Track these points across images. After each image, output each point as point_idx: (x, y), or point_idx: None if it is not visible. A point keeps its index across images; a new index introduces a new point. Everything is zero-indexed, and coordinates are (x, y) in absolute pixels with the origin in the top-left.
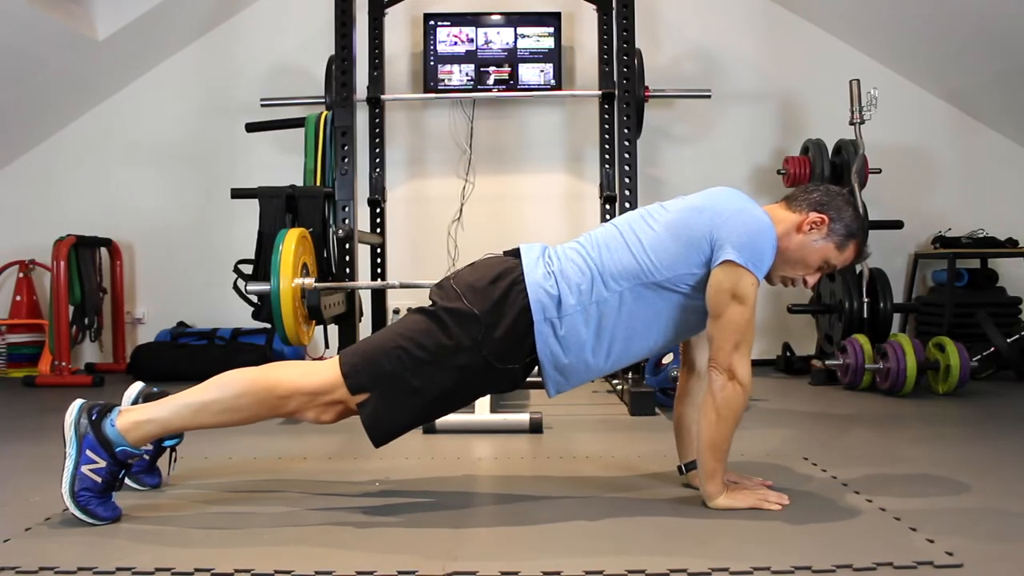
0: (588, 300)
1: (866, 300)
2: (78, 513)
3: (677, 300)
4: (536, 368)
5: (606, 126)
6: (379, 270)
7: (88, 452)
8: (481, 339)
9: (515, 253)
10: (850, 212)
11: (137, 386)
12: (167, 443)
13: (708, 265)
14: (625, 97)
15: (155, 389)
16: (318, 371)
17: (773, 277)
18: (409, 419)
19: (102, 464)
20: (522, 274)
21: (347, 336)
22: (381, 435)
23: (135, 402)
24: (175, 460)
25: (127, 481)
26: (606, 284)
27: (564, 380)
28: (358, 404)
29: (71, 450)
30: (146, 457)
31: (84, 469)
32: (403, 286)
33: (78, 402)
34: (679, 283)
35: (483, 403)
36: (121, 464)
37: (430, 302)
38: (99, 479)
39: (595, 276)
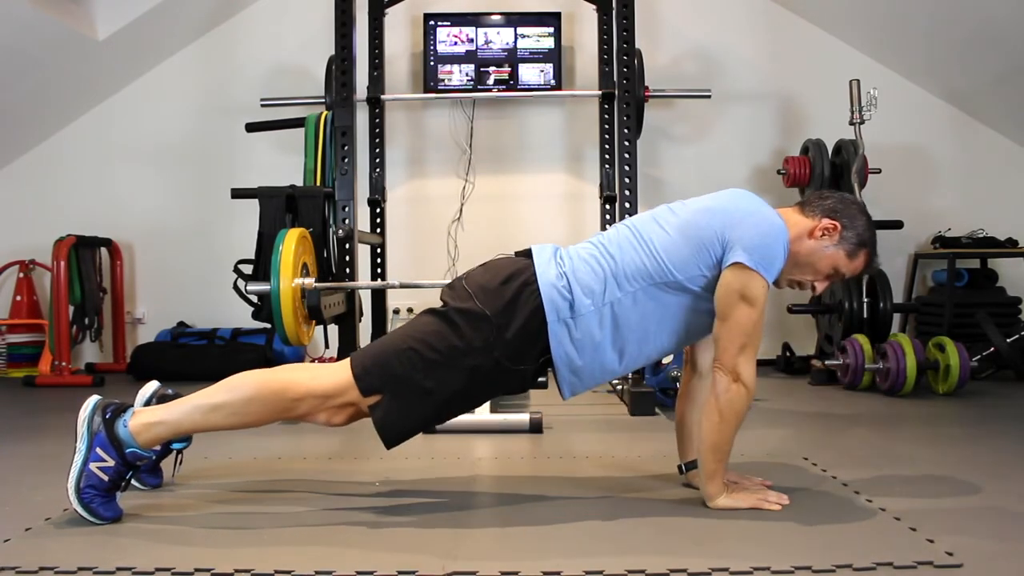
0: (602, 301)
1: (866, 300)
2: (80, 509)
3: (689, 301)
4: (547, 369)
5: (606, 126)
6: (379, 270)
7: (98, 450)
8: (493, 340)
9: (527, 254)
10: (863, 221)
11: (152, 386)
12: (175, 446)
13: (719, 266)
14: (625, 97)
15: (170, 391)
16: (329, 374)
17: (781, 280)
18: (421, 420)
19: (111, 463)
20: (534, 274)
21: (347, 336)
22: (393, 437)
23: (148, 402)
24: (180, 462)
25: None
26: (619, 285)
27: (579, 382)
28: (370, 406)
29: (81, 445)
30: (153, 458)
31: (92, 466)
32: (403, 286)
33: (94, 398)
34: (691, 284)
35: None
36: (129, 465)
37: (441, 303)
38: (106, 478)
39: (608, 277)
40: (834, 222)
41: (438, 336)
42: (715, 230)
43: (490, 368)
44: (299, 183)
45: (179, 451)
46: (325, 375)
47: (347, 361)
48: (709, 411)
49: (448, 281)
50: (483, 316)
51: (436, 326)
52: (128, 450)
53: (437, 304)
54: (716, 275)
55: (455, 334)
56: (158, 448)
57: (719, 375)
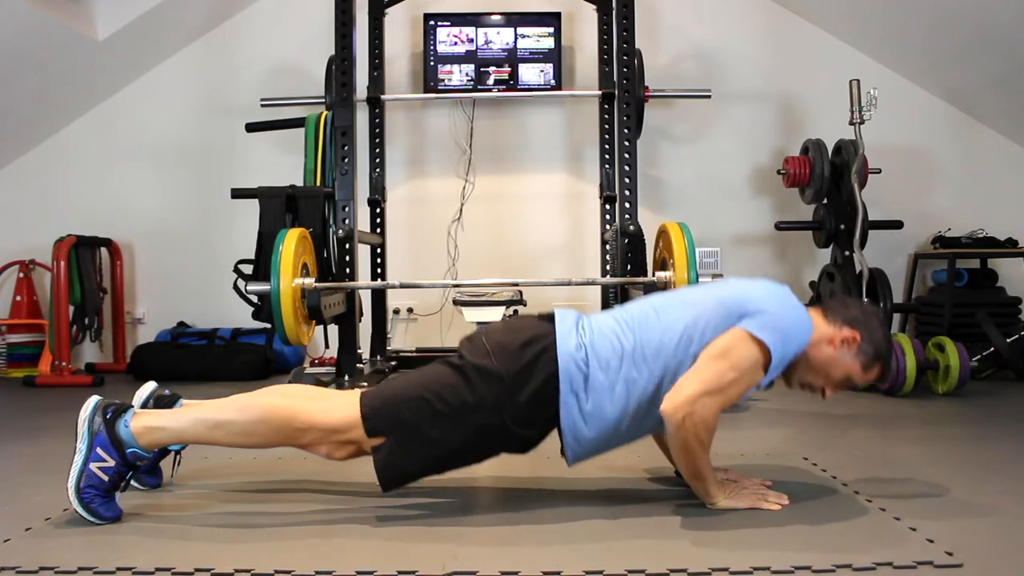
0: (616, 378)
1: (866, 300)
2: (80, 509)
3: None
4: (552, 432)
5: (606, 126)
6: (379, 270)
7: (99, 450)
8: (504, 401)
9: (549, 318)
10: (881, 335)
11: (149, 387)
12: (172, 447)
13: None
14: (625, 97)
15: (167, 391)
16: (337, 408)
17: (792, 379)
18: (420, 468)
19: (111, 463)
20: (554, 341)
21: (347, 336)
22: (391, 480)
23: (146, 403)
24: (179, 463)
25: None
26: (635, 364)
27: (583, 451)
28: (373, 447)
29: (82, 445)
30: (152, 459)
31: (92, 466)
32: (403, 286)
33: (94, 399)
34: None
35: None
36: (130, 466)
37: (458, 355)
38: (106, 478)
39: (625, 354)
40: (854, 334)
41: (450, 389)
42: (739, 307)
43: (495, 428)
44: (299, 183)
45: (177, 452)
46: (334, 410)
47: (356, 398)
48: (672, 450)
49: (448, 281)
50: (498, 376)
51: (451, 379)
52: (129, 450)
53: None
54: None
55: (467, 389)
56: (157, 449)
57: (666, 417)
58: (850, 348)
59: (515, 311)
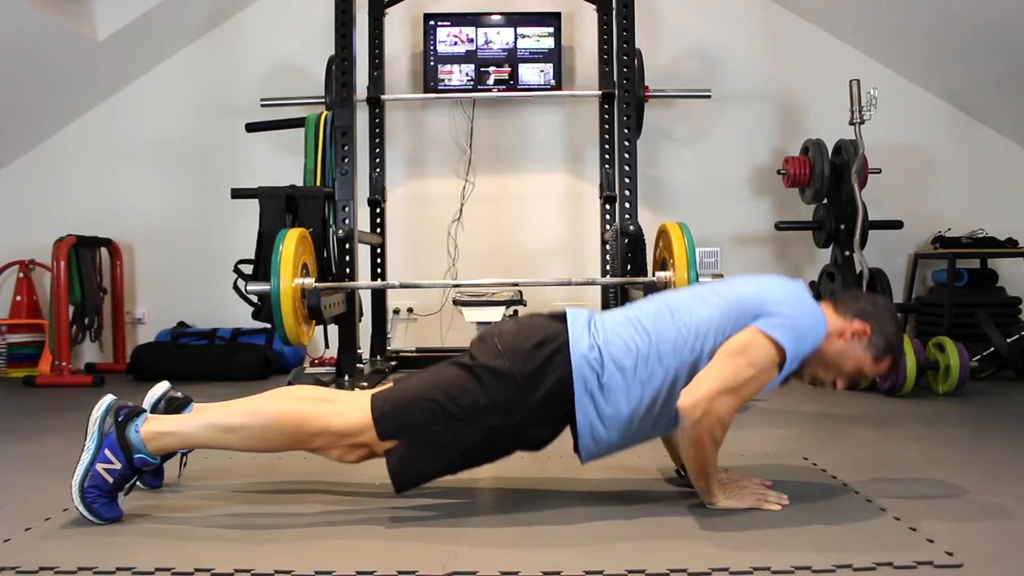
0: (632, 377)
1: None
2: (82, 508)
3: None
4: (566, 430)
5: (606, 126)
6: (379, 270)
7: (106, 451)
8: (516, 402)
9: (561, 317)
10: (892, 327)
11: (161, 387)
12: (180, 450)
13: None
14: (625, 97)
15: (179, 394)
16: (349, 412)
17: (804, 373)
18: (433, 470)
19: (117, 466)
20: (567, 342)
21: (347, 336)
22: (404, 483)
23: (157, 404)
24: (185, 464)
25: None
26: (651, 364)
27: (598, 451)
28: (386, 451)
29: (90, 445)
30: (158, 463)
31: (99, 467)
32: (403, 286)
33: (108, 398)
34: None
35: None
36: (136, 470)
37: (470, 356)
38: (111, 480)
39: (639, 354)
40: (865, 326)
41: (462, 391)
42: (754, 306)
43: (509, 429)
44: (299, 183)
45: (184, 455)
46: (345, 413)
47: (367, 401)
48: (683, 447)
49: (448, 281)
50: (511, 377)
51: (462, 380)
52: (137, 455)
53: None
54: None
55: (480, 391)
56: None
57: (683, 412)
58: (861, 341)
59: (515, 311)
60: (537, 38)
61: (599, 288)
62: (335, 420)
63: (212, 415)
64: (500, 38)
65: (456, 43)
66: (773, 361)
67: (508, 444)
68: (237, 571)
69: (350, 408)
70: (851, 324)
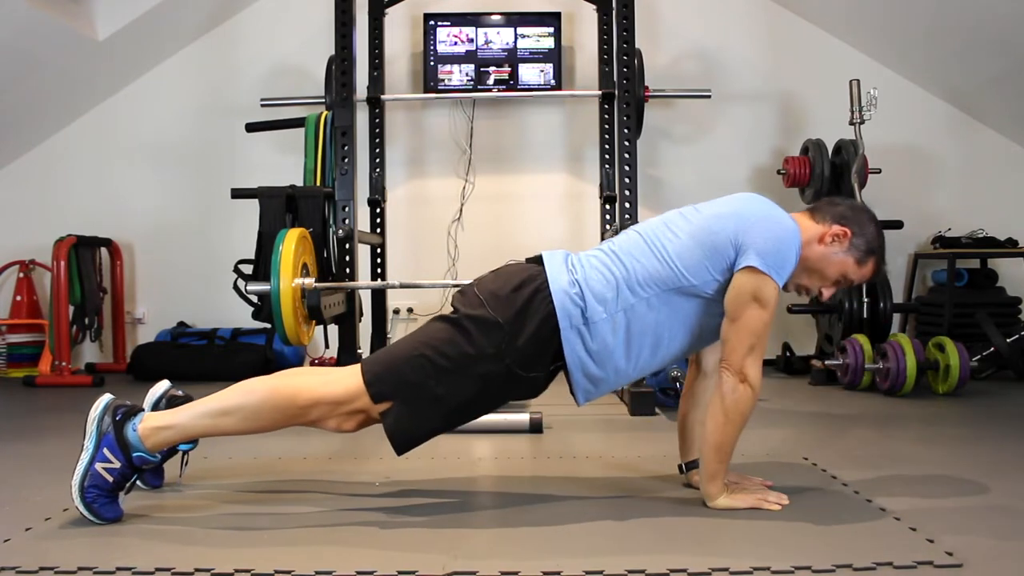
0: (615, 308)
1: (866, 300)
2: (82, 508)
3: (702, 306)
4: (560, 375)
5: (606, 126)
6: (379, 270)
7: (105, 451)
8: (504, 347)
9: (537, 260)
10: (872, 229)
11: (162, 386)
12: (181, 447)
13: (731, 270)
14: (625, 97)
15: (180, 392)
16: (340, 380)
17: (789, 284)
18: (431, 427)
19: (117, 465)
20: (546, 281)
21: (347, 336)
22: (403, 443)
23: (158, 402)
24: (186, 463)
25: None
26: (632, 291)
27: (593, 388)
28: (381, 413)
29: (89, 444)
30: (158, 461)
31: (98, 467)
32: (403, 286)
33: (106, 398)
34: (704, 289)
35: None
36: (135, 469)
37: (452, 309)
38: (110, 479)
39: (620, 283)
40: (844, 228)
41: (449, 343)
42: (728, 234)
43: (502, 375)
44: (299, 183)
45: (185, 452)
46: (336, 382)
47: (357, 368)
48: (714, 411)
49: (448, 281)
50: (495, 323)
51: (447, 333)
52: (135, 454)
53: (444, 308)
54: (728, 279)
55: (467, 341)
56: (164, 450)
57: (726, 375)
58: (841, 243)
59: None
60: (537, 38)
61: None
62: (327, 389)
63: (206, 402)
64: (500, 38)
65: (456, 43)
66: (774, 294)
67: (503, 391)
68: (237, 571)
69: (341, 376)
70: (830, 228)
